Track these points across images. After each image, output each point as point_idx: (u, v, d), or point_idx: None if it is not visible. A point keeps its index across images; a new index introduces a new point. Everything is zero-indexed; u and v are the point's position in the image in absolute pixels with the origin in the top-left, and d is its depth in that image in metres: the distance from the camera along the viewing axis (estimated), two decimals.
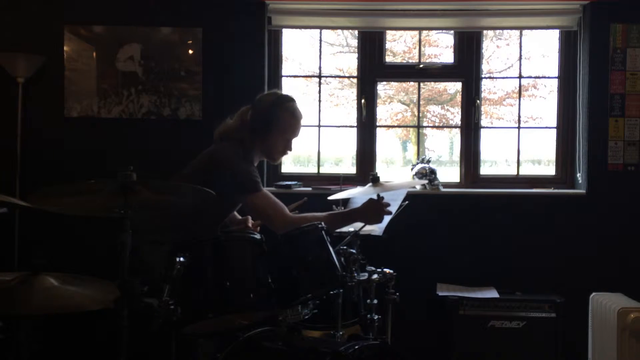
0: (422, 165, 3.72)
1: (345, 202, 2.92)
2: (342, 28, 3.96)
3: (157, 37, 3.65)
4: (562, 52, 3.84)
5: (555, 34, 3.86)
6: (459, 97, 3.93)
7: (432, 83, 4.10)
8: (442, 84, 4.13)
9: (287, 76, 3.92)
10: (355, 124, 3.89)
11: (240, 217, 2.94)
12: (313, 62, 3.95)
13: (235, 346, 2.07)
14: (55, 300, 1.84)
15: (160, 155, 3.55)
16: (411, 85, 4.08)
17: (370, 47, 3.88)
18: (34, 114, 3.63)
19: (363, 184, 3.21)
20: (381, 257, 2.70)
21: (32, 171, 3.58)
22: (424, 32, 3.97)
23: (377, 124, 3.91)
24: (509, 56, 4.01)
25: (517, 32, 3.90)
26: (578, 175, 3.72)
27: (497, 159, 4.07)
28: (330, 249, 2.23)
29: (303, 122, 2.82)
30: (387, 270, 2.54)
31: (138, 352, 2.03)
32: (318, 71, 3.93)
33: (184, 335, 2.05)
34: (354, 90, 3.95)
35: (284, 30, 3.87)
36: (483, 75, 3.90)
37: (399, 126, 4.28)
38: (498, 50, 4.08)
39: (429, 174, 3.65)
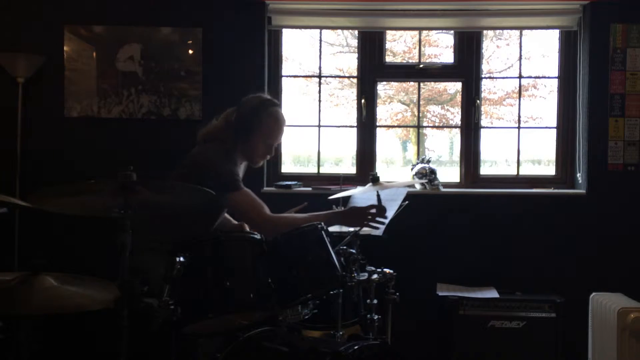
0: (422, 165, 3.72)
1: (346, 202, 2.92)
2: (342, 28, 3.95)
3: (157, 37, 3.65)
4: (562, 52, 3.84)
5: (555, 34, 3.86)
6: (459, 97, 3.93)
7: (432, 83, 4.10)
8: (442, 84, 4.13)
9: (287, 76, 3.92)
10: (355, 124, 3.88)
11: (235, 222, 2.93)
12: (313, 62, 3.95)
13: (235, 346, 2.07)
14: (55, 300, 1.84)
15: (160, 155, 3.54)
16: (411, 85, 4.08)
17: (370, 47, 3.88)
18: (34, 114, 3.63)
19: (363, 184, 3.21)
20: (381, 257, 2.70)
21: (32, 171, 3.58)
22: (424, 32, 3.97)
23: (377, 124, 3.91)
24: (509, 56, 4.01)
25: (517, 32, 3.90)
26: (578, 175, 3.72)
27: (497, 159, 4.07)
28: (330, 249, 2.23)
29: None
30: (387, 270, 2.54)
31: (138, 352, 2.03)
32: (318, 71, 3.93)
33: (184, 335, 2.05)
34: (354, 90, 3.95)
35: (284, 30, 3.87)
36: (483, 75, 3.90)
37: (399, 126, 4.28)
38: (498, 50, 4.08)
39: (429, 174, 3.65)
